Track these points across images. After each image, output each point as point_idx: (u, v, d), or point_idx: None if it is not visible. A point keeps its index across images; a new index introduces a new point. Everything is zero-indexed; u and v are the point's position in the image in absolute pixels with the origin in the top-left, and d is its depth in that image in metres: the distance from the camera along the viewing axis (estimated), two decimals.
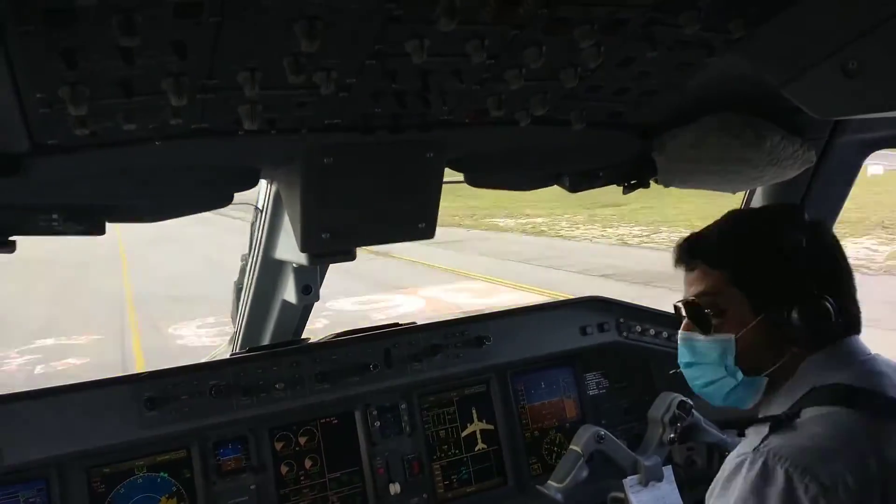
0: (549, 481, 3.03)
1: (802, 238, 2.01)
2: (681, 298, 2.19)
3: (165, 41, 1.44)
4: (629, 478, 3.17)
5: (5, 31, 1.30)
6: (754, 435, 1.92)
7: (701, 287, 2.11)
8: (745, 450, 1.88)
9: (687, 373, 2.24)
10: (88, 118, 1.64)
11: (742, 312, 2.03)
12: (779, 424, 1.86)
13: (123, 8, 1.29)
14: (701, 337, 2.11)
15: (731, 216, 2.26)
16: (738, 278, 2.05)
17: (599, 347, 3.72)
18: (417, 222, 2.44)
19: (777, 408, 1.99)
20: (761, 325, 2.00)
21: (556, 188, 2.90)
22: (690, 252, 2.19)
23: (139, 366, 12.66)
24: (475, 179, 2.74)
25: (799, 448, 1.77)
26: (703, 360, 2.13)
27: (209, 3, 1.35)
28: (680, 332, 2.22)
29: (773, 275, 2.01)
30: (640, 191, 2.94)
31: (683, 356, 2.21)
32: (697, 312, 2.11)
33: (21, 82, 1.49)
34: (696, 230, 2.25)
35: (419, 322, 3.55)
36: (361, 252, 2.65)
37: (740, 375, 2.06)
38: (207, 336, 14.86)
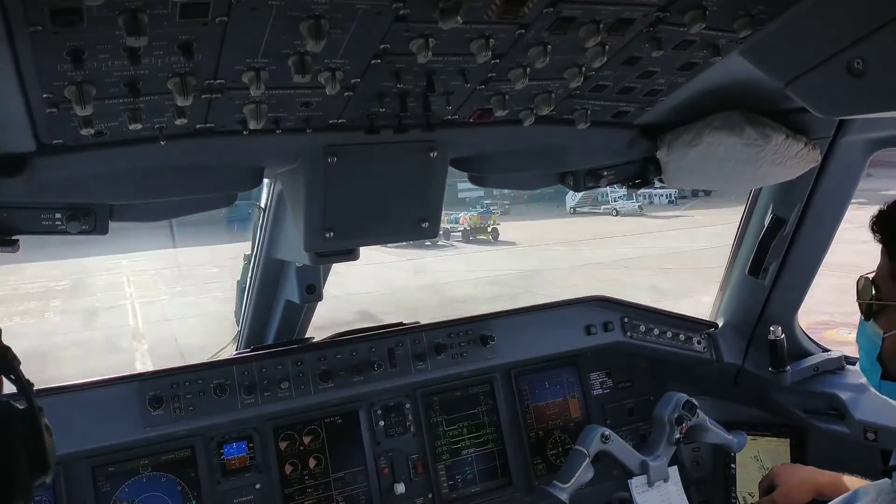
0: (554, 481, 3.02)
1: None
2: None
3: (172, 41, 1.45)
4: (635, 478, 3.16)
5: (13, 32, 1.31)
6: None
7: (877, 268, 1.85)
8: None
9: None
10: (94, 118, 1.65)
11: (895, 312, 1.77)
12: None
13: (130, 8, 1.30)
14: (861, 317, 1.90)
15: None
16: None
17: (604, 347, 3.71)
18: (421, 221, 2.45)
19: None
20: None
21: None
22: (874, 220, 1.85)
23: None
24: (479, 179, 2.74)
25: None
26: (860, 342, 1.93)
27: (215, 3, 1.35)
28: None
29: None
30: None
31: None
32: (863, 293, 1.88)
33: (28, 82, 1.49)
34: None
35: (423, 321, 3.56)
36: None
37: (879, 376, 1.86)
38: None
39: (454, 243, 37.51)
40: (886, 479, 1.87)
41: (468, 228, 38.13)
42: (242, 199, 2.53)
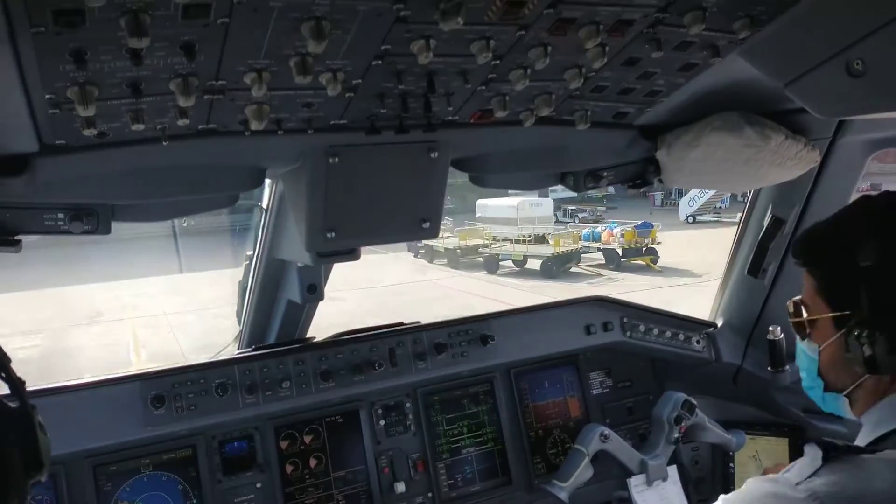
0: (554, 480, 3.03)
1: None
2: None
3: (174, 42, 1.46)
4: (633, 477, 3.17)
5: (15, 33, 1.32)
6: (809, 459, 1.67)
7: (803, 290, 1.93)
8: (792, 479, 1.63)
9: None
10: (96, 118, 1.66)
11: (826, 324, 1.85)
12: (834, 456, 1.62)
13: (132, 9, 1.31)
14: (797, 339, 1.98)
15: (853, 205, 1.95)
16: (822, 287, 1.86)
17: (603, 347, 3.72)
18: (422, 222, 2.46)
19: (864, 435, 1.79)
20: (841, 342, 1.80)
21: None
22: (795, 245, 1.99)
23: None
24: (479, 179, 2.75)
25: (848, 498, 1.55)
26: (801, 364, 2.00)
27: (217, 4, 1.36)
28: None
29: (852, 288, 1.75)
30: None
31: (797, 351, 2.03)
32: (795, 315, 1.95)
33: (30, 83, 1.50)
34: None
35: (424, 321, 3.57)
36: None
37: (822, 390, 1.92)
38: None
39: (597, 270, 27.58)
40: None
41: (620, 248, 27.74)
42: (250, 201, 2.52)
